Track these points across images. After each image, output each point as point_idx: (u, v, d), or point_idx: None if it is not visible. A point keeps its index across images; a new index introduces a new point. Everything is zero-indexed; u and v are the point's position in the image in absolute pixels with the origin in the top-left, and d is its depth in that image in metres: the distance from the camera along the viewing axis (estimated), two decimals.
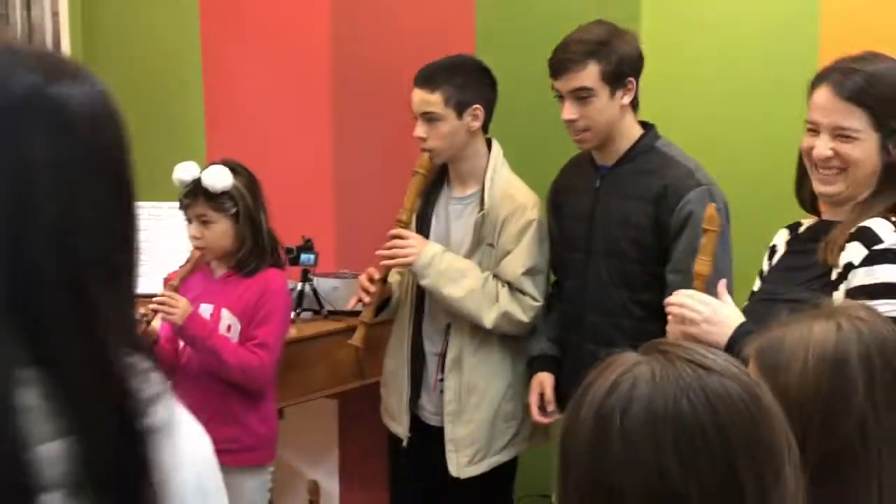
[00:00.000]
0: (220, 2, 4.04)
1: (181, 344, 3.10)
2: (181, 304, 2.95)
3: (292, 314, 3.43)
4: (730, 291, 2.74)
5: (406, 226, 3.16)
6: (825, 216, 2.29)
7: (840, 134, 2.16)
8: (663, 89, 3.40)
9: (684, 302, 2.25)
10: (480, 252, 3.15)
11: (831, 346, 1.46)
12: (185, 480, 1.01)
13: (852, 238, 2.11)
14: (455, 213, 3.24)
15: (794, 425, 1.16)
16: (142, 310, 2.93)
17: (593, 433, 1.09)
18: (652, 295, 2.87)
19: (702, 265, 2.33)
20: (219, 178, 2.98)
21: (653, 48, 3.18)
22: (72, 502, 0.91)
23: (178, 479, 1.00)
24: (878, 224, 2.11)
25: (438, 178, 3.27)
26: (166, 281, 3.10)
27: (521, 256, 3.10)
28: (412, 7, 3.93)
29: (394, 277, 3.28)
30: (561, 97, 2.94)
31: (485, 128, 3.18)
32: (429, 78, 3.11)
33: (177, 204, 3.10)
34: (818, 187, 2.23)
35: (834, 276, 2.12)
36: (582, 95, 2.89)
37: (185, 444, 1.02)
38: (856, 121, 2.15)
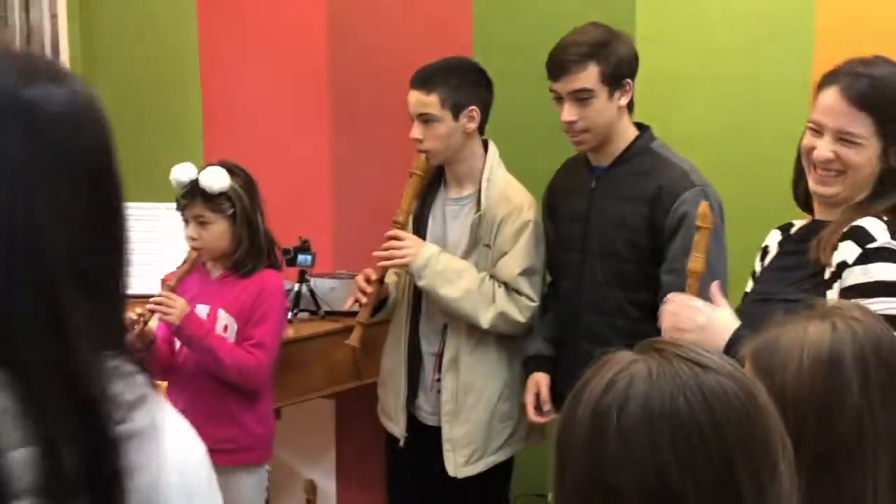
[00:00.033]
0: (217, 3, 4.04)
1: (178, 344, 3.10)
2: (178, 304, 2.96)
3: (289, 315, 3.44)
4: (725, 292, 2.76)
5: (403, 227, 3.17)
6: (818, 216, 2.29)
7: (844, 138, 2.15)
8: (657, 90, 3.40)
9: (678, 311, 2.24)
10: (477, 253, 3.15)
11: (826, 346, 1.47)
12: (169, 483, 1.00)
13: (845, 237, 2.11)
14: (452, 213, 3.24)
15: (790, 425, 1.17)
16: (139, 310, 2.94)
17: (590, 431, 1.09)
18: (647, 295, 2.89)
19: (695, 262, 2.33)
20: (216, 180, 2.98)
21: (647, 50, 3.19)
22: None
23: (162, 482, 0.99)
24: (870, 223, 2.11)
25: (435, 180, 3.28)
26: (163, 281, 3.10)
27: (518, 257, 3.11)
28: (409, 9, 3.94)
29: (391, 278, 3.29)
30: (559, 99, 2.94)
31: (481, 129, 3.19)
32: (425, 80, 3.12)
33: (174, 205, 3.11)
34: (815, 187, 2.23)
35: (827, 275, 2.13)
36: (582, 97, 2.89)
37: (171, 448, 1.01)
38: (861, 126, 2.14)
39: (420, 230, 3.25)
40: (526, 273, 3.12)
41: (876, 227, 2.10)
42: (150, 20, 4.35)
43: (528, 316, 3.13)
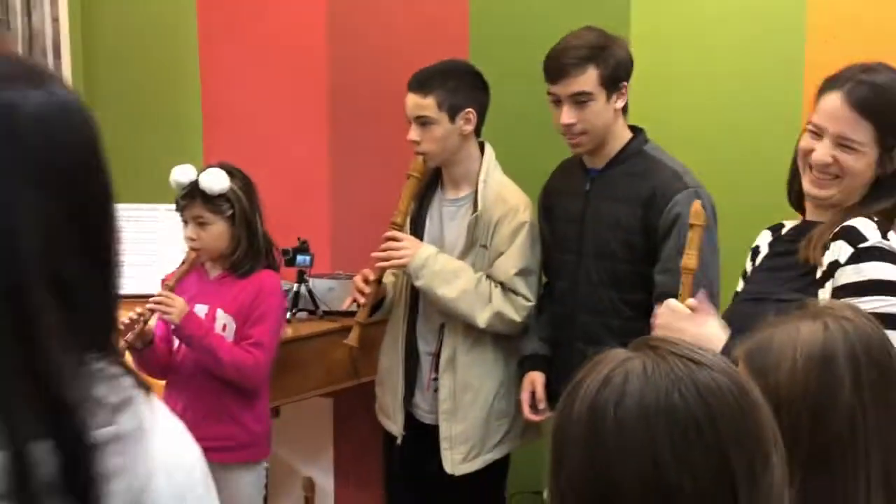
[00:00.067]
0: (217, 6, 4.03)
1: (176, 343, 3.12)
2: (178, 304, 2.97)
3: (288, 315, 3.45)
4: (717, 291, 2.78)
5: (400, 228, 3.18)
6: (809, 217, 2.30)
7: (844, 143, 2.15)
8: (651, 90, 3.41)
9: (668, 325, 2.21)
10: (474, 253, 3.17)
11: (819, 345, 1.49)
12: (158, 486, 0.98)
13: (837, 237, 2.11)
14: (449, 215, 3.25)
15: (784, 424, 1.18)
16: (139, 309, 2.95)
17: (587, 427, 1.10)
18: (641, 295, 2.91)
19: (689, 259, 2.32)
20: (216, 181, 3.00)
21: (642, 49, 3.21)
22: None
23: (152, 485, 0.97)
24: (861, 223, 2.12)
25: (432, 181, 3.29)
26: (163, 282, 3.12)
27: (514, 257, 3.13)
28: (407, 12, 3.95)
29: (388, 278, 3.30)
30: (557, 102, 2.95)
31: (477, 131, 3.20)
32: (422, 83, 3.13)
33: (174, 206, 3.12)
34: (809, 189, 2.23)
35: (818, 274, 2.13)
36: (581, 100, 2.91)
37: (162, 450, 0.99)
38: (862, 133, 2.14)
39: (417, 231, 3.26)
40: (522, 273, 3.14)
41: (867, 226, 2.11)
42: (150, 23, 4.35)
43: (523, 315, 3.15)
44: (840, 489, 1.46)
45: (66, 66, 4.25)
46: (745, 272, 2.44)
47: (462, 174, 3.22)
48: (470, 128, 3.15)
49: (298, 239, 3.52)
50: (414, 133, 3.14)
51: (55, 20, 4.18)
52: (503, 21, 4.05)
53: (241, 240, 3.07)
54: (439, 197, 3.29)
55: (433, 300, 3.16)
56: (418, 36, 3.89)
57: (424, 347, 3.28)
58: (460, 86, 3.14)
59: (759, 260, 2.39)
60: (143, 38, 4.37)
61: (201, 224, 3.05)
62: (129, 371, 1.01)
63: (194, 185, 3.01)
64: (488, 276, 3.15)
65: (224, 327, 3.09)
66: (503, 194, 3.16)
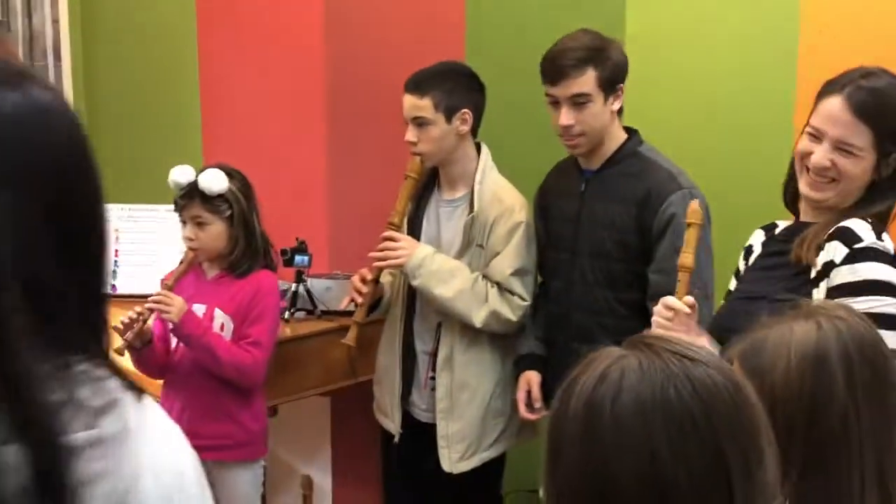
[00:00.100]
0: (216, 7, 4.03)
1: (173, 343, 3.13)
2: (177, 303, 2.98)
3: (286, 314, 3.46)
4: (711, 292, 2.79)
5: (398, 228, 3.19)
6: (803, 218, 2.31)
7: (843, 147, 2.16)
8: (646, 90, 3.41)
9: (665, 328, 2.21)
10: (470, 253, 3.18)
11: (812, 345, 1.50)
12: (144, 488, 0.96)
13: (832, 238, 2.12)
14: (445, 215, 3.26)
15: (779, 423, 1.20)
16: (138, 308, 2.97)
17: (584, 423, 1.11)
18: (635, 294, 2.93)
19: (686, 258, 2.33)
20: (215, 182, 3.01)
21: (637, 49, 3.21)
22: None
23: (138, 486, 0.96)
24: (856, 224, 2.13)
25: (429, 182, 3.30)
26: (162, 281, 3.13)
27: (510, 257, 3.14)
28: (404, 13, 3.95)
29: (385, 278, 3.31)
30: (556, 103, 2.96)
31: (474, 132, 3.21)
32: (419, 84, 3.14)
33: (172, 206, 3.13)
34: (806, 191, 2.24)
35: (813, 274, 2.14)
36: (579, 101, 2.92)
37: (151, 452, 0.98)
38: (861, 138, 2.15)
39: (414, 231, 3.27)
40: (518, 273, 3.15)
41: (862, 227, 2.12)
42: (150, 25, 4.35)
43: (519, 315, 3.16)
44: (834, 488, 1.47)
45: (66, 67, 4.25)
46: (737, 271, 2.45)
47: (459, 175, 3.23)
48: (466, 128, 3.16)
49: (296, 239, 3.52)
50: (411, 134, 3.15)
51: (55, 21, 4.20)
52: (499, 21, 4.04)
53: (239, 240, 3.08)
54: (436, 197, 3.30)
55: (430, 300, 3.17)
56: (415, 36, 3.89)
57: (421, 346, 3.29)
58: (457, 87, 3.15)
59: (752, 259, 2.40)
60: (143, 38, 4.37)
61: (200, 224, 3.06)
62: (117, 373, 0.99)
63: (193, 186, 3.02)
64: (484, 276, 3.16)
65: (222, 327, 3.10)
66: (499, 194, 3.17)
